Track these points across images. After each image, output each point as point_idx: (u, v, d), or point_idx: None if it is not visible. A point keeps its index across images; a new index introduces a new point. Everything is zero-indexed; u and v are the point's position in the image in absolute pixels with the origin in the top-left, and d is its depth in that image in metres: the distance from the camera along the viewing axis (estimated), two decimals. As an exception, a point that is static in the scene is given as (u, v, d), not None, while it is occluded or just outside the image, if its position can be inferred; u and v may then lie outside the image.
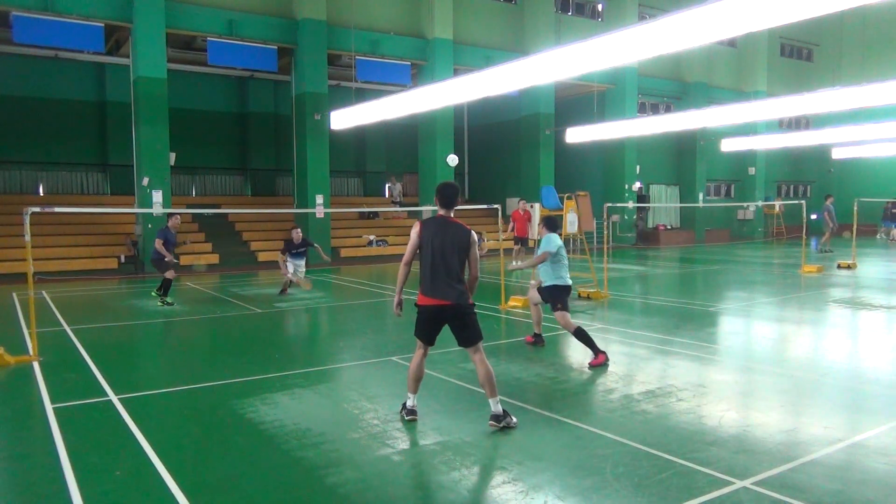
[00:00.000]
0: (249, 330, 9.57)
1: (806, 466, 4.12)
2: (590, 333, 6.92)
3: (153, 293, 11.84)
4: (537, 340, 7.80)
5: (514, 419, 4.89)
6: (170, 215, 12.11)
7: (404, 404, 5.15)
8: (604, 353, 6.82)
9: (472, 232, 4.99)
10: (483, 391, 5.01)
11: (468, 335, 4.94)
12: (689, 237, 28.83)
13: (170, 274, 11.53)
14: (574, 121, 23.57)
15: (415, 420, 5.04)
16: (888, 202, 24.28)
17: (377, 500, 3.77)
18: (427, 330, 5.01)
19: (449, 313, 4.90)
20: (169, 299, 11.54)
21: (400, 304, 5.15)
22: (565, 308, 7.06)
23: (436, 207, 5.12)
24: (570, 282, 7.25)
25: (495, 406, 4.85)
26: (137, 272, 17.06)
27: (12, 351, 7.33)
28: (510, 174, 26.21)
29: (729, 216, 31.77)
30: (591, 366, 6.70)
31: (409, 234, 5.14)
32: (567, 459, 4.32)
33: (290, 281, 12.64)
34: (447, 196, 5.03)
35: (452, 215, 5.05)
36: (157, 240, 11.53)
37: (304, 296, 12.42)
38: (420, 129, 22.75)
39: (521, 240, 17.87)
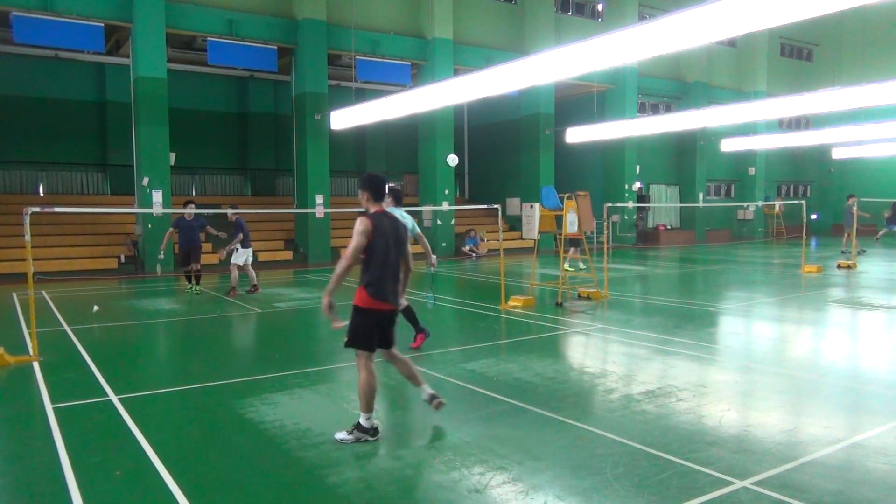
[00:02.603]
0: (249, 330, 9.58)
1: (806, 466, 4.12)
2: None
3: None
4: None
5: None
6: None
7: (359, 425, 4.55)
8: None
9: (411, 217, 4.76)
10: (411, 384, 5.16)
11: (394, 335, 4.81)
12: (689, 237, 28.83)
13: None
14: (574, 121, 23.57)
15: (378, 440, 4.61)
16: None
17: (377, 500, 3.76)
18: (376, 336, 4.64)
19: (391, 318, 4.72)
20: (192, 287, 12.98)
21: (332, 305, 4.55)
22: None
23: (391, 205, 4.90)
24: None
25: (428, 389, 5.03)
26: (137, 272, 17.06)
27: (12, 351, 7.33)
28: (510, 174, 26.18)
29: (729, 216, 31.77)
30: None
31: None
32: (567, 459, 4.32)
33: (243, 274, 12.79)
34: (378, 187, 4.64)
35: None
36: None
37: (303, 296, 12.41)
38: (420, 129, 22.74)
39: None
